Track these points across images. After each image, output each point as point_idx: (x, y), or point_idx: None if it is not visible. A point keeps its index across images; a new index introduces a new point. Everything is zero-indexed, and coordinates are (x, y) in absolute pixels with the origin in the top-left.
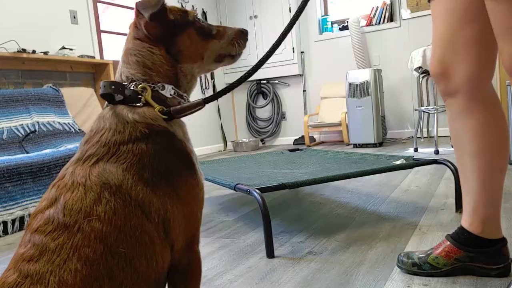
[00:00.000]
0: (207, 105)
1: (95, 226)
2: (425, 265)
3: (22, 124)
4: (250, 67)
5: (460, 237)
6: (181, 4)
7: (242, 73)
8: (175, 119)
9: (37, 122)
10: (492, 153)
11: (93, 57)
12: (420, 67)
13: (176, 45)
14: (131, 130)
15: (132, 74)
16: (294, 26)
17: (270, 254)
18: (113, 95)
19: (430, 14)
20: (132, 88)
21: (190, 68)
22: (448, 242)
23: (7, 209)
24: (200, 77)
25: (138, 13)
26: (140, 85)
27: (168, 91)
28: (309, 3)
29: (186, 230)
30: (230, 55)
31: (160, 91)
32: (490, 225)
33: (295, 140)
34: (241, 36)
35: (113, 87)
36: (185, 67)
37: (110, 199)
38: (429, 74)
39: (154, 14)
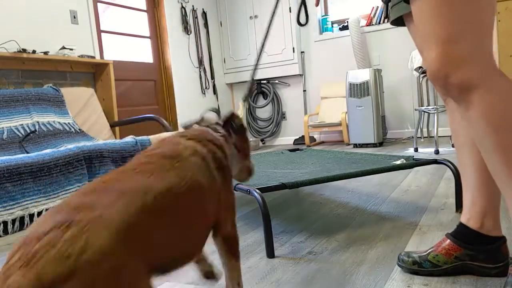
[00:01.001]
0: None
1: (185, 165)
2: (426, 263)
3: (22, 124)
4: (250, 67)
5: (460, 233)
6: (181, 4)
7: (242, 73)
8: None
9: (37, 122)
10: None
11: (93, 57)
12: (420, 67)
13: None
14: None
15: None
16: (294, 26)
17: (270, 254)
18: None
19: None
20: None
21: None
22: (448, 240)
23: (7, 209)
24: (200, 77)
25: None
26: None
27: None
28: (309, 3)
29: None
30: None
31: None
32: (488, 220)
33: (295, 140)
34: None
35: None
36: None
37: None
38: None
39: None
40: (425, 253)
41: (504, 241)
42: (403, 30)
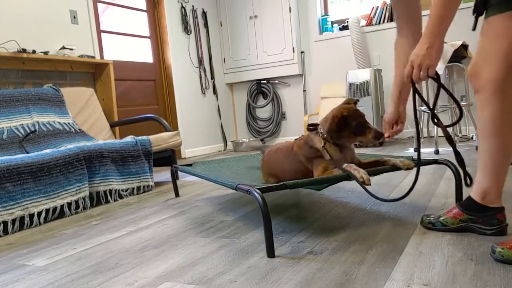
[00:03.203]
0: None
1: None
2: (437, 223)
3: (22, 124)
4: (250, 67)
5: (466, 203)
6: (181, 4)
7: (242, 73)
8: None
9: (37, 122)
10: (502, 135)
11: (93, 57)
12: None
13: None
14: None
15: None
16: (294, 26)
17: (271, 254)
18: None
19: (428, 15)
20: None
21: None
22: (456, 208)
23: (7, 209)
24: (200, 77)
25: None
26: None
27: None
28: (309, 3)
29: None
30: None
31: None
32: (490, 195)
33: (295, 140)
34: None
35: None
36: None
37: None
38: None
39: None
40: (437, 217)
41: (501, 210)
42: None
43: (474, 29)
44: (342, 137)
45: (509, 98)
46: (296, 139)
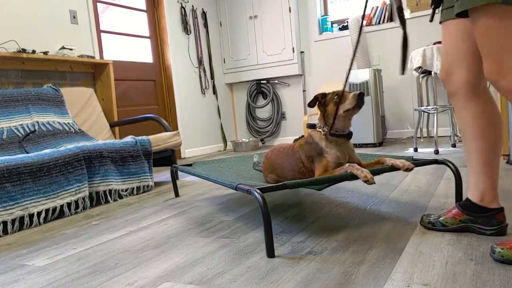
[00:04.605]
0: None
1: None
2: (437, 223)
3: (22, 124)
4: (250, 67)
5: (465, 204)
6: (181, 4)
7: (242, 73)
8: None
9: (37, 122)
10: (486, 136)
11: (93, 57)
12: (420, 67)
13: (326, 111)
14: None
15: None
16: (294, 26)
17: (271, 254)
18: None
19: (429, 14)
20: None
21: (336, 115)
22: (456, 209)
23: (7, 209)
24: (200, 77)
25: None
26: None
27: (325, 128)
28: (309, 3)
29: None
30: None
31: (322, 128)
32: (487, 196)
33: (295, 140)
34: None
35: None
36: (331, 116)
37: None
38: (428, 73)
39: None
40: (437, 217)
41: (500, 211)
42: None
43: (431, 20)
44: (330, 115)
45: (484, 99)
46: (296, 139)
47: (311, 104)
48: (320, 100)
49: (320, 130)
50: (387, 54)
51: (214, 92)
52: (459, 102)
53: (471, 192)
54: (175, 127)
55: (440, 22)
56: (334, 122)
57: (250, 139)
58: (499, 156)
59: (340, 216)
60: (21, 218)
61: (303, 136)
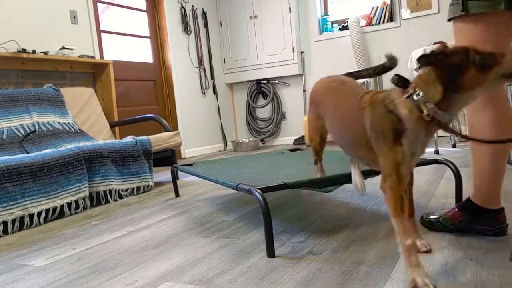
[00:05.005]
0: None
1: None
2: (437, 223)
3: (22, 124)
4: (250, 67)
5: (466, 206)
6: (181, 4)
7: (242, 73)
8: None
9: (37, 122)
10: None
11: (93, 57)
12: (420, 67)
13: (456, 81)
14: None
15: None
16: (294, 26)
17: (271, 254)
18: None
19: (429, 14)
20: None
21: (470, 95)
22: (456, 209)
23: (7, 209)
24: (200, 77)
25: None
26: (418, 96)
27: (430, 107)
28: (309, 3)
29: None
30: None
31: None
32: (490, 199)
33: (295, 140)
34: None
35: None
36: (463, 95)
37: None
38: None
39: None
40: (437, 216)
41: (501, 211)
42: (403, 30)
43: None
44: (463, 88)
45: (499, 103)
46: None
47: (399, 81)
48: (443, 57)
49: (420, 102)
50: None
51: (214, 92)
52: (475, 104)
53: (474, 194)
54: (175, 127)
55: (449, 20)
56: (452, 100)
57: (250, 139)
58: (506, 160)
59: (340, 216)
60: (21, 218)
61: (303, 136)
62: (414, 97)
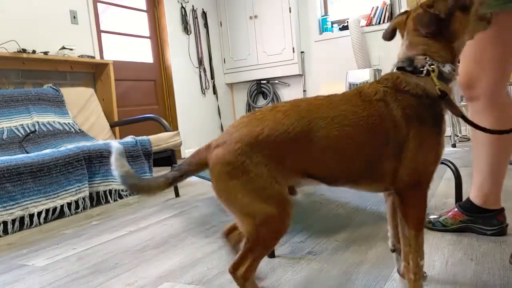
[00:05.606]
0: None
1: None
2: (437, 223)
3: (22, 124)
4: (250, 67)
5: (466, 206)
6: (181, 4)
7: (242, 73)
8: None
9: (37, 122)
10: (500, 144)
11: (93, 57)
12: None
13: (448, 30)
14: (410, 88)
15: (422, 54)
16: (294, 26)
17: (271, 254)
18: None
19: None
20: (419, 64)
21: (462, 41)
22: (456, 209)
23: (7, 209)
24: (200, 77)
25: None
26: (432, 66)
27: (447, 68)
28: (309, 3)
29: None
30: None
31: (442, 68)
32: (490, 199)
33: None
34: None
35: (404, 62)
36: (457, 43)
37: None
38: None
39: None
40: (438, 216)
41: (501, 211)
42: None
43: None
44: (450, 37)
45: (503, 106)
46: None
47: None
48: (433, 14)
49: (436, 71)
50: (387, 54)
51: (214, 92)
52: (477, 106)
53: (474, 195)
54: (175, 127)
55: None
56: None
57: None
58: (508, 162)
59: (340, 216)
60: (21, 218)
61: None
62: (429, 66)
